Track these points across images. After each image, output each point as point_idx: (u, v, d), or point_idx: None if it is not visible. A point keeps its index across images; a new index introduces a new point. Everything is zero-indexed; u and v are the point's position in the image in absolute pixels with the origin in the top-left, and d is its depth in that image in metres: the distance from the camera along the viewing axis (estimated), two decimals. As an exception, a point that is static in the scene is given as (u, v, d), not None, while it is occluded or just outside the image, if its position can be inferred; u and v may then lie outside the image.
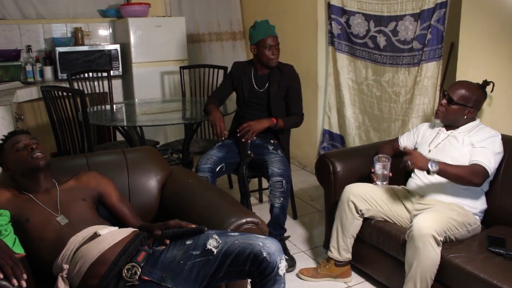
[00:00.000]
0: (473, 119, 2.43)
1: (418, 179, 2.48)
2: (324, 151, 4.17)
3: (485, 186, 2.37)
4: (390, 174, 2.47)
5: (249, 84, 3.13)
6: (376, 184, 2.47)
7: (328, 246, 2.62)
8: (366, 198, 2.44)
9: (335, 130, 4.12)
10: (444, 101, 2.41)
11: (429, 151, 2.48)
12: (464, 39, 2.74)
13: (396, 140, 2.75)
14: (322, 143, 4.24)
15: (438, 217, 2.14)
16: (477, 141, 2.32)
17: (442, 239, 2.10)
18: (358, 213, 2.45)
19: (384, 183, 2.47)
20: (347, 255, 2.56)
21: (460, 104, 2.37)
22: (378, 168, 2.45)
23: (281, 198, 2.79)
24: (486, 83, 2.47)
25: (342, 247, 2.54)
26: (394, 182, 2.56)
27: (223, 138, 2.99)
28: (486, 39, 2.63)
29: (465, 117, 2.40)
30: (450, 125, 2.47)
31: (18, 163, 1.91)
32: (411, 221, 2.23)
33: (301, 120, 3.16)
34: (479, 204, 2.36)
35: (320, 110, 4.30)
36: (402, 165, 2.22)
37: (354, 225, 2.48)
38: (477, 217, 2.34)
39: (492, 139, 2.32)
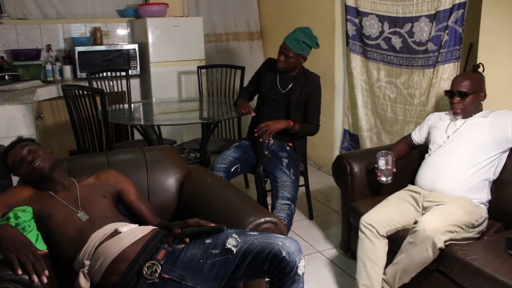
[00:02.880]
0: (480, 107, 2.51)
1: (426, 175, 2.47)
2: (345, 150, 4.17)
3: (493, 177, 2.41)
4: (394, 169, 2.49)
5: (271, 81, 3.16)
6: (381, 180, 2.49)
7: (346, 249, 2.58)
8: (384, 221, 2.35)
9: (354, 130, 4.11)
10: (457, 99, 2.46)
11: (448, 137, 2.50)
12: (484, 40, 2.72)
13: (409, 136, 2.78)
14: (343, 143, 4.24)
15: (445, 221, 2.14)
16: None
17: (443, 246, 2.11)
18: (380, 237, 2.36)
19: (389, 178, 2.49)
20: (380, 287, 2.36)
21: (473, 93, 2.43)
22: (382, 164, 2.48)
23: (286, 221, 2.76)
24: (477, 66, 2.55)
25: (375, 279, 2.32)
26: (398, 183, 2.56)
27: (253, 114, 3.19)
28: (507, 40, 2.60)
29: (481, 102, 2.49)
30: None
31: (26, 175, 1.96)
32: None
33: (316, 131, 3.18)
34: (486, 194, 2.38)
35: (336, 111, 4.29)
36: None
37: (381, 250, 2.34)
38: (482, 206, 2.34)
39: None
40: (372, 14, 3.58)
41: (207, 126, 3.36)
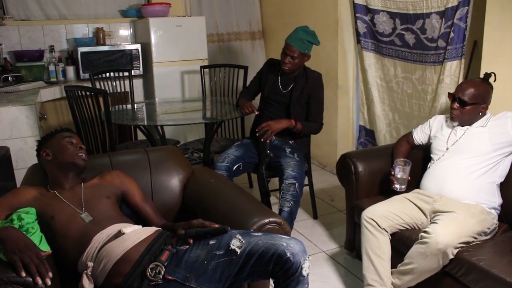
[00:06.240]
0: (484, 114, 2.45)
1: (433, 180, 2.45)
2: (361, 146, 4.17)
3: (499, 179, 2.38)
4: (409, 178, 2.47)
5: (272, 82, 3.16)
6: (395, 187, 2.48)
7: (351, 248, 2.57)
8: (385, 215, 2.35)
9: (370, 126, 4.11)
10: (456, 105, 2.41)
11: (447, 149, 2.48)
12: (488, 37, 2.70)
13: (410, 135, 2.77)
14: (359, 139, 4.24)
15: (458, 233, 2.11)
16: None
17: (453, 256, 2.09)
18: (382, 230, 2.36)
19: (403, 186, 2.48)
20: (389, 281, 2.33)
21: (473, 104, 2.38)
22: (398, 171, 2.47)
23: (291, 202, 2.77)
24: (488, 75, 2.48)
25: (383, 274, 2.31)
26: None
27: (256, 113, 3.19)
28: (511, 37, 2.59)
29: (480, 113, 2.43)
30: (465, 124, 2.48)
31: (62, 152, 1.99)
32: (430, 223, 2.22)
33: (319, 129, 3.17)
34: (497, 198, 2.35)
35: (340, 110, 4.28)
36: None
37: (384, 243, 2.33)
38: (493, 211, 2.31)
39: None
40: (383, 11, 3.57)
41: (210, 126, 3.35)
